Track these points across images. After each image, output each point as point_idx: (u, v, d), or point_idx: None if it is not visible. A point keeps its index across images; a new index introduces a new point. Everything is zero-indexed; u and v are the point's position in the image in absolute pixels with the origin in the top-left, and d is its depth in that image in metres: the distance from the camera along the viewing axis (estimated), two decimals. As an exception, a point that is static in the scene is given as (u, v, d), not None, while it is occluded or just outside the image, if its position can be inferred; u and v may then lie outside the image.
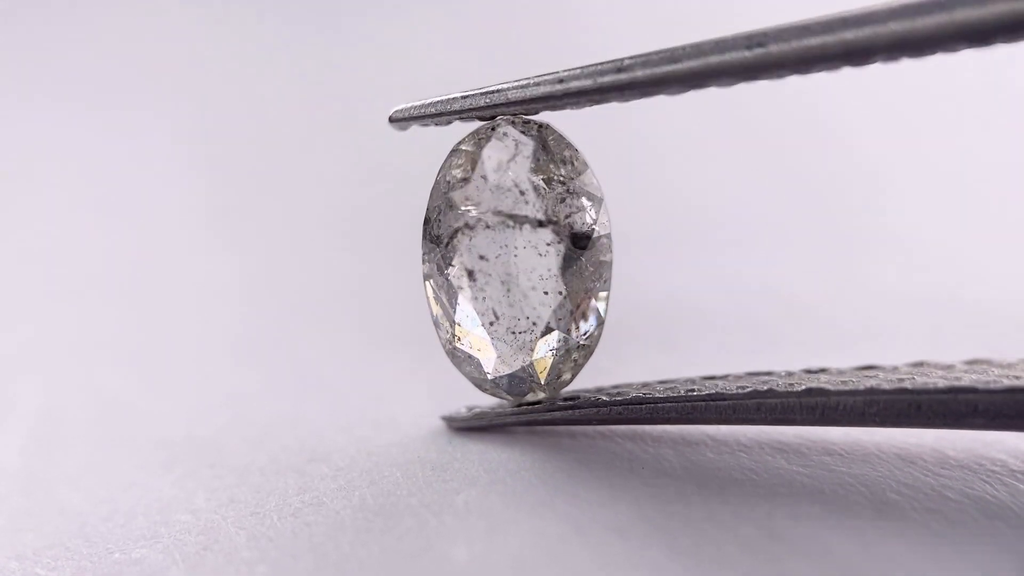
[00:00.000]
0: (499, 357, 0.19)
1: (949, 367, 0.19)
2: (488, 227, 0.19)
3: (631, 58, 0.17)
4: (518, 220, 0.19)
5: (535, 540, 0.17)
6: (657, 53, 0.17)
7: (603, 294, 0.19)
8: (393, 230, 0.32)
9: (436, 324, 0.20)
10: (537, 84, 0.19)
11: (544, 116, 0.20)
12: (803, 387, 0.18)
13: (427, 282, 0.20)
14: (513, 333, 0.19)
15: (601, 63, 0.18)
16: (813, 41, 0.15)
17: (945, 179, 0.37)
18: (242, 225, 0.37)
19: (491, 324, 0.19)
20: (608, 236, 0.19)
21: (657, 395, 0.19)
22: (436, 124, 0.20)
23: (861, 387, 0.17)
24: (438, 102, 0.20)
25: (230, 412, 0.24)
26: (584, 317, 0.19)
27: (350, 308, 0.30)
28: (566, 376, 0.20)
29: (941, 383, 0.17)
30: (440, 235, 0.19)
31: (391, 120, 0.20)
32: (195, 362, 0.27)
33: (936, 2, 0.14)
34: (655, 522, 0.17)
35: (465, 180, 0.19)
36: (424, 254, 0.20)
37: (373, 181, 0.40)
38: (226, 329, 0.29)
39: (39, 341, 0.29)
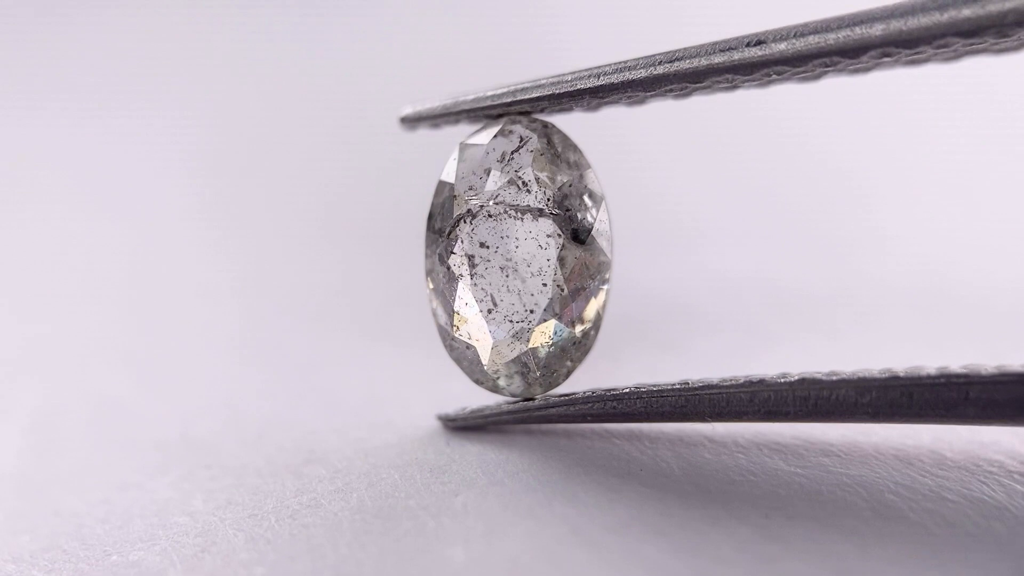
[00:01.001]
0: (495, 346, 0.19)
1: (943, 368, 0.19)
2: (490, 216, 0.19)
3: (635, 59, 0.18)
4: (520, 210, 0.19)
5: (533, 542, 0.17)
6: (661, 54, 0.17)
7: (602, 295, 0.19)
8: (391, 232, 0.32)
9: (435, 316, 0.20)
10: (543, 84, 0.19)
11: (548, 117, 0.20)
12: (796, 378, 0.18)
13: (428, 277, 0.20)
14: (510, 321, 0.19)
15: (606, 64, 0.18)
16: (812, 39, 0.16)
17: (937, 175, 0.38)
18: (239, 227, 0.37)
19: (489, 311, 0.19)
20: (608, 235, 0.19)
21: (651, 388, 0.19)
22: (444, 124, 0.20)
23: (853, 377, 0.17)
24: (447, 103, 0.20)
25: (227, 414, 0.24)
26: (581, 316, 0.19)
27: (347, 310, 0.30)
28: (562, 374, 0.20)
29: (933, 371, 0.17)
30: (443, 227, 0.19)
31: (402, 121, 0.21)
32: (192, 364, 0.27)
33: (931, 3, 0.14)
34: (653, 523, 0.17)
35: (469, 171, 0.19)
36: (427, 248, 0.20)
37: (371, 183, 0.40)
38: (223, 331, 0.29)
39: (35, 343, 0.29)
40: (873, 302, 0.28)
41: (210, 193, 0.39)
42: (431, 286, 0.20)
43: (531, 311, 0.19)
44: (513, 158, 0.19)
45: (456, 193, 0.19)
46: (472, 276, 0.19)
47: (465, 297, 0.19)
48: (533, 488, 0.18)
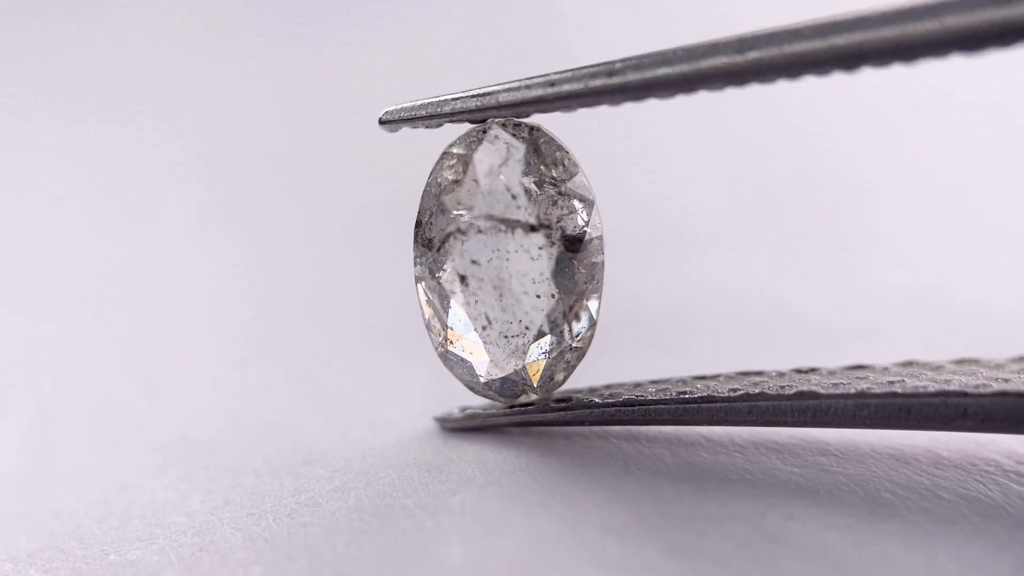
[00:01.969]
0: (492, 361, 0.19)
1: (938, 368, 0.19)
2: (480, 232, 0.19)
3: (622, 61, 0.17)
4: (510, 224, 0.19)
5: (531, 541, 0.17)
6: (648, 56, 0.17)
7: (595, 295, 0.19)
8: (386, 232, 0.32)
9: (428, 327, 0.20)
10: (528, 87, 0.18)
11: (535, 118, 0.20)
12: (794, 390, 0.18)
13: (419, 284, 0.20)
14: (506, 337, 0.19)
15: (592, 66, 0.18)
16: (804, 46, 0.15)
17: (933, 180, 0.38)
18: (236, 228, 0.37)
19: (484, 328, 0.19)
20: (600, 238, 0.19)
21: (649, 397, 0.19)
22: (427, 126, 0.20)
23: (852, 391, 0.17)
24: (429, 104, 0.19)
25: (225, 414, 0.24)
26: (576, 318, 0.19)
27: (344, 310, 0.30)
28: (558, 377, 0.20)
29: (931, 387, 0.17)
30: (432, 239, 0.19)
31: (381, 122, 0.20)
32: (190, 365, 0.27)
33: (927, 8, 0.14)
34: (651, 522, 0.17)
35: (457, 184, 0.19)
36: (416, 257, 0.20)
37: (364, 183, 0.40)
38: (221, 332, 0.29)
39: (34, 344, 0.29)
40: (871, 307, 0.28)
41: (210, 195, 0.39)
42: (422, 295, 0.20)
43: (527, 327, 0.19)
44: (501, 171, 0.19)
45: (444, 207, 0.19)
46: (464, 294, 0.19)
47: (458, 315, 0.19)
48: (531, 487, 0.18)
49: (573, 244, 0.19)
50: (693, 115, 0.41)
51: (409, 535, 0.17)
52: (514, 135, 0.19)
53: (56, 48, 0.53)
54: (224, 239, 0.35)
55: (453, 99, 0.19)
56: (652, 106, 0.19)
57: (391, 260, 0.29)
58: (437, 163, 0.20)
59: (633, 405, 0.19)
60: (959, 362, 0.19)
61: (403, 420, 0.22)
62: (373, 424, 0.22)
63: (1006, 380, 0.17)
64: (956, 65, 0.17)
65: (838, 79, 0.17)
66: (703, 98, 0.19)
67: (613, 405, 0.19)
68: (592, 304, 0.19)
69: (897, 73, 0.17)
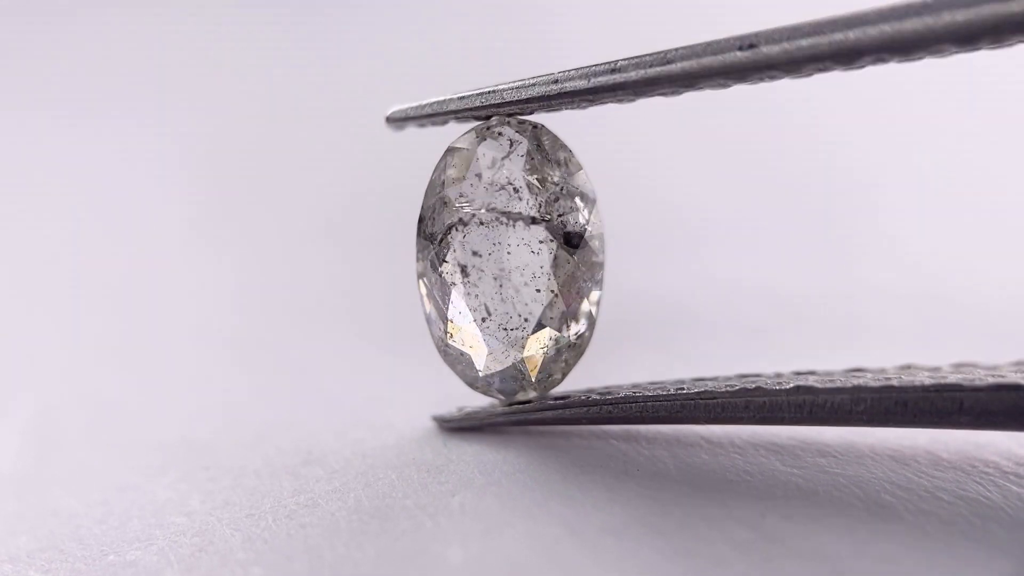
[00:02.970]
0: (490, 354, 0.19)
1: (936, 368, 0.19)
2: (482, 223, 0.19)
3: (625, 59, 0.18)
4: (512, 217, 0.19)
5: (530, 542, 0.17)
6: (651, 55, 0.17)
7: (595, 295, 0.19)
8: (386, 233, 0.32)
9: (429, 322, 0.20)
10: (532, 85, 0.19)
11: (538, 117, 0.20)
12: (791, 385, 0.18)
13: (420, 280, 0.20)
14: (505, 329, 0.19)
15: (595, 64, 0.18)
16: (804, 42, 0.15)
17: (934, 179, 0.38)
18: (236, 228, 0.37)
19: (483, 320, 0.19)
20: (600, 237, 0.19)
21: (647, 394, 0.19)
22: (432, 124, 0.20)
23: (848, 385, 0.17)
24: (435, 103, 0.20)
25: (225, 415, 0.24)
26: (575, 317, 0.19)
27: (345, 311, 0.30)
28: (556, 376, 0.20)
29: (927, 381, 0.17)
30: (434, 232, 0.19)
31: (388, 120, 0.20)
32: (190, 365, 0.27)
33: (924, 4, 0.14)
34: (650, 523, 0.17)
35: (460, 178, 0.19)
36: (418, 252, 0.20)
37: (365, 184, 0.40)
38: (221, 332, 0.29)
39: (34, 344, 0.29)
40: (872, 305, 0.28)
41: (208, 195, 0.39)
42: (424, 291, 0.20)
43: (525, 319, 0.19)
44: (504, 164, 0.19)
45: (447, 200, 0.19)
46: (465, 285, 0.19)
47: (459, 306, 0.19)
48: (530, 488, 0.18)
49: (573, 241, 0.19)
50: (693, 115, 0.41)
51: (408, 536, 0.17)
52: (518, 132, 0.19)
53: (53, 49, 0.53)
54: (224, 239, 0.35)
55: (459, 97, 0.20)
56: (653, 106, 0.19)
57: (392, 261, 0.29)
58: (441, 160, 0.20)
59: (630, 402, 0.19)
60: (957, 365, 0.19)
61: (403, 421, 0.22)
62: (373, 425, 0.22)
63: (1003, 377, 0.17)
64: (956, 64, 0.17)
65: (839, 78, 0.17)
66: (704, 98, 0.19)
67: (610, 402, 0.19)
68: (592, 303, 0.19)
69: (898, 72, 0.17)
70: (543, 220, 0.19)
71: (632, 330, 0.27)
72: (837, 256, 0.32)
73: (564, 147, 0.19)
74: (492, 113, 0.19)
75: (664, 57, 0.17)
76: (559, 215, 0.19)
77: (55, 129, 0.46)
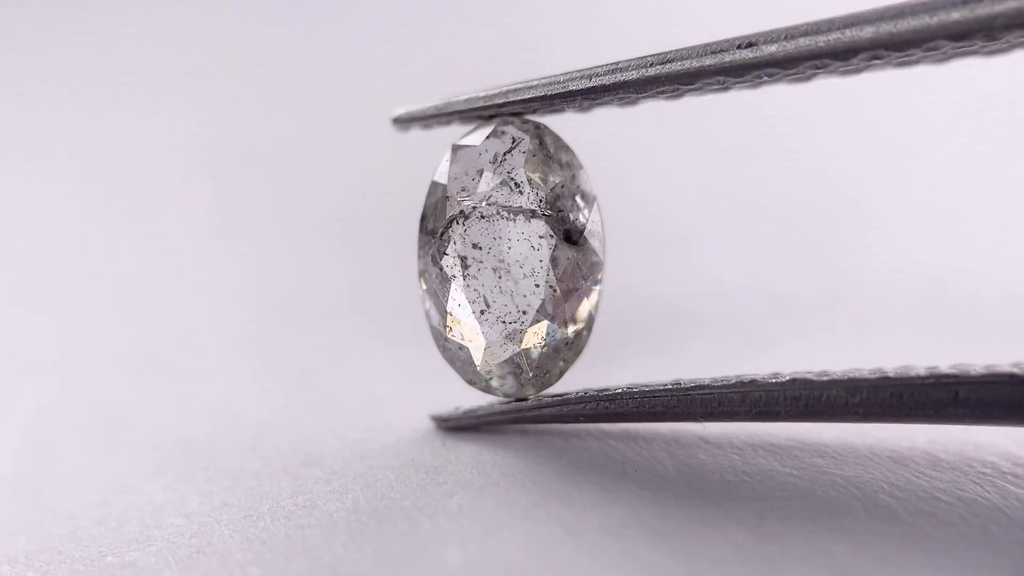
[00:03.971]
0: (488, 347, 0.19)
1: (933, 368, 0.19)
2: (483, 217, 0.19)
3: (626, 60, 0.18)
4: (513, 211, 0.19)
5: (528, 543, 0.17)
6: (653, 55, 0.17)
7: (594, 295, 0.20)
8: (386, 233, 0.32)
9: (428, 317, 0.20)
10: (535, 85, 0.19)
11: (540, 118, 0.20)
12: (787, 378, 0.18)
13: (421, 278, 0.20)
14: (503, 322, 0.19)
15: (597, 65, 0.18)
16: (803, 41, 0.16)
17: (930, 176, 0.38)
18: (236, 229, 0.37)
19: (482, 312, 0.19)
20: (601, 237, 0.20)
21: (643, 388, 0.19)
22: (437, 125, 0.20)
23: (844, 377, 0.17)
24: (439, 104, 0.20)
25: (223, 416, 0.24)
26: (574, 317, 0.19)
27: (344, 312, 0.30)
28: (554, 373, 0.20)
29: (923, 372, 0.17)
30: (436, 228, 0.19)
31: (394, 122, 0.21)
32: (190, 366, 0.27)
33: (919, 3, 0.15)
34: (648, 524, 0.17)
35: (462, 173, 0.19)
36: (419, 249, 0.20)
37: (366, 185, 0.40)
38: (220, 333, 0.29)
39: (33, 345, 0.29)
40: (867, 304, 0.28)
41: (207, 196, 0.39)
42: (424, 287, 0.20)
43: (524, 312, 0.19)
44: (506, 159, 0.19)
45: (449, 194, 0.19)
46: (465, 277, 0.19)
47: (458, 298, 0.19)
48: (528, 489, 0.18)
49: (573, 237, 0.19)
50: (690, 116, 0.41)
51: (407, 536, 0.17)
52: (521, 130, 0.19)
53: (58, 47, 0.53)
54: (223, 241, 0.35)
55: (463, 98, 0.20)
56: (650, 108, 0.19)
57: (390, 262, 0.29)
58: (443, 158, 0.20)
59: (627, 397, 0.19)
60: (954, 367, 0.19)
61: (401, 422, 0.22)
62: (371, 426, 0.22)
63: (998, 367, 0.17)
64: (955, 64, 0.17)
65: (833, 77, 0.17)
66: (700, 98, 0.19)
67: (607, 398, 0.19)
68: (591, 303, 0.19)
69: (891, 71, 0.17)
70: (543, 215, 0.19)
71: (628, 331, 0.27)
72: (833, 255, 0.32)
73: (566, 147, 0.20)
74: (496, 113, 0.20)
75: (665, 57, 0.17)
76: (560, 212, 0.19)
77: (62, 128, 0.46)
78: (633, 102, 0.18)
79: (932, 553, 0.16)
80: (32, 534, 0.19)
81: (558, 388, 0.20)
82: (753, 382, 0.18)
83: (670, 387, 0.19)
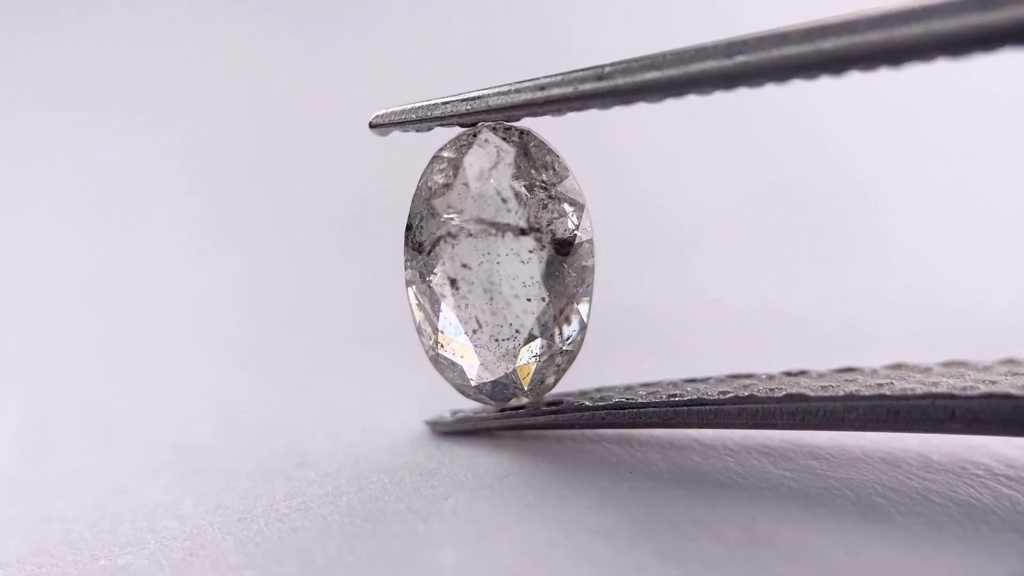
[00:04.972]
0: (482, 364, 0.19)
1: (926, 370, 0.19)
2: (470, 235, 0.19)
3: (611, 65, 0.17)
4: (500, 228, 0.19)
5: (523, 544, 0.17)
6: (638, 60, 0.17)
7: (586, 299, 0.19)
8: (378, 236, 0.32)
9: (419, 330, 0.20)
10: (518, 91, 0.18)
11: (525, 122, 0.20)
12: (783, 393, 0.18)
13: (409, 288, 0.20)
14: (496, 340, 0.19)
15: (582, 70, 0.18)
16: (792, 50, 0.15)
17: (925, 185, 0.38)
18: (228, 232, 0.36)
19: (474, 332, 0.19)
20: (590, 241, 0.19)
21: (639, 400, 0.19)
22: (417, 130, 0.20)
23: (841, 393, 0.17)
24: (419, 108, 0.19)
25: (217, 418, 0.23)
26: (567, 322, 0.19)
27: (338, 314, 0.30)
28: (549, 380, 0.20)
29: (919, 389, 0.17)
30: (422, 242, 0.19)
31: (371, 126, 0.20)
32: (184, 368, 0.27)
33: (913, 12, 0.14)
34: (642, 525, 0.17)
35: (447, 187, 0.19)
36: (406, 261, 0.20)
37: (356, 187, 0.40)
38: (214, 336, 0.29)
39: (26, 347, 0.28)
40: (865, 312, 0.28)
41: (201, 199, 0.39)
42: (413, 299, 0.20)
43: (517, 331, 0.19)
44: (491, 175, 0.19)
45: (434, 211, 0.19)
46: (455, 298, 0.19)
47: (449, 318, 0.19)
48: (523, 491, 0.18)
49: (563, 247, 0.19)
50: (683, 119, 0.41)
51: (401, 539, 0.17)
52: (504, 139, 0.19)
53: (51, 53, 0.53)
54: (216, 243, 0.35)
55: (443, 103, 0.19)
56: (641, 110, 0.19)
57: (382, 264, 0.29)
58: (427, 167, 0.20)
59: (623, 408, 0.19)
60: (947, 364, 0.19)
61: (395, 424, 0.22)
62: (365, 428, 0.22)
63: (993, 382, 0.17)
64: (948, 71, 0.17)
65: (830, 84, 0.17)
66: (693, 102, 0.19)
67: (603, 408, 0.19)
68: (582, 308, 0.19)
69: (890, 78, 0.17)
70: (532, 230, 0.19)
71: (623, 335, 0.27)
72: (829, 263, 0.32)
73: (551, 152, 0.19)
74: (478, 119, 0.19)
75: (651, 62, 0.17)
76: (548, 223, 0.19)
77: (55, 131, 0.46)
78: (619, 105, 0.18)
79: (925, 554, 0.16)
80: (25, 537, 0.19)
81: (554, 392, 0.20)
82: (751, 396, 0.18)
83: (667, 400, 0.19)
